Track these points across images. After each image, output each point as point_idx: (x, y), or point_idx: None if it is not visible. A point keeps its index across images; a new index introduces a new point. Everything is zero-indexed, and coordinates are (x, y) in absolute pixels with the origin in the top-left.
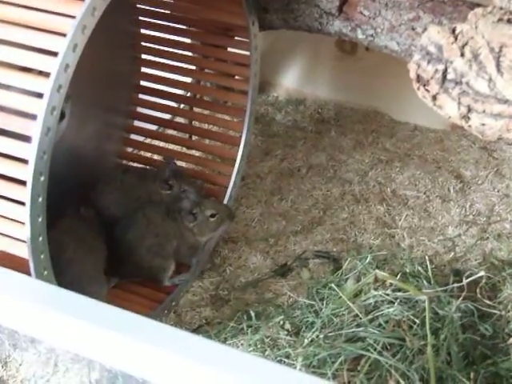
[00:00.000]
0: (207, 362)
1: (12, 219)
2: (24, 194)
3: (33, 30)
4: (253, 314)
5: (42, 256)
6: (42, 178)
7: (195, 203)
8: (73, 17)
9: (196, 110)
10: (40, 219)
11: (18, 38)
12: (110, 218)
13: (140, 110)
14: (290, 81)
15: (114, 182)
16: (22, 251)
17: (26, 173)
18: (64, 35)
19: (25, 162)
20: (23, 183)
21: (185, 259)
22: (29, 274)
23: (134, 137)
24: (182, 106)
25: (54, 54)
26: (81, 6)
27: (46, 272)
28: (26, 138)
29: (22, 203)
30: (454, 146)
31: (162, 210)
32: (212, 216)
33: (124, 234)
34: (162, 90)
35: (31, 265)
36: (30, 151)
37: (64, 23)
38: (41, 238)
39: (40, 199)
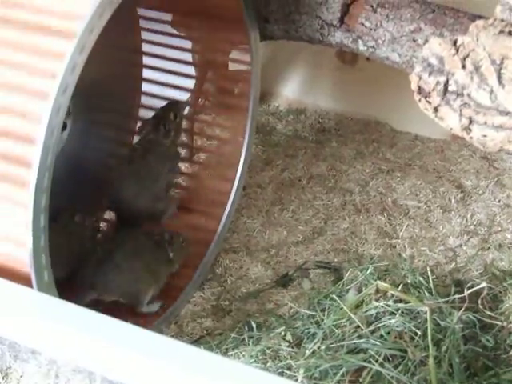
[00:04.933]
0: (208, 374)
1: (14, 230)
2: (27, 205)
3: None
4: (254, 324)
5: (44, 268)
6: (45, 196)
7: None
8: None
9: (197, 117)
10: (42, 229)
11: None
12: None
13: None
14: (290, 91)
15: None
16: (24, 263)
17: (27, 191)
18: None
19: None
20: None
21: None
22: (30, 286)
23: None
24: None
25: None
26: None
27: (47, 284)
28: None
29: (24, 213)
30: (455, 155)
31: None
32: (183, 242)
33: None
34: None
35: (33, 277)
36: (31, 169)
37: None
38: (43, 249)
39: (43, 210)
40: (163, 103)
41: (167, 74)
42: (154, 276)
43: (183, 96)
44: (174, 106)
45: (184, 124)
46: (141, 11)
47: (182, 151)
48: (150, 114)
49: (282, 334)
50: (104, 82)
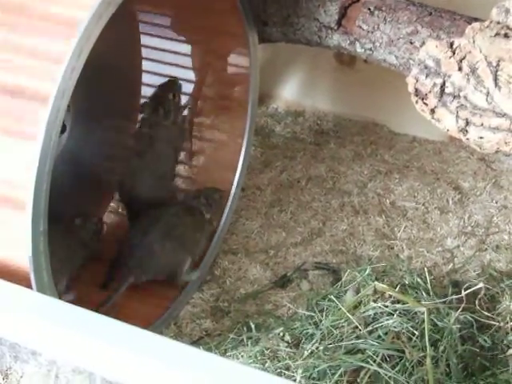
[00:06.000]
0: (207, 374)
1: (13, 233)
2: (26, 208)
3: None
4: (253, 325)
5: (44, 269)
6: (44, 194)
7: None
8: None
9: (196, 120)
10: (42, 232)
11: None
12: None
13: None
14: (289, 92)
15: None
16: (24, 264)
17: (27, 191)
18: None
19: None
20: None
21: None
22: (30, 286)
23: None
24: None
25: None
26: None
27: (47, 284)
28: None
29: (24, 216)
30: (453, 157)
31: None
32: (220, 197)
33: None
34: None
35: (32, 278)
36: (30, 167)
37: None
38: (42, 251)
39: (42, 213)
40: None
41: (166, 78)
42: (189, 246)
43: (183, 100)
44: (171, 84)
45: (183, 126)
46: (140, 15)
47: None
48: None
49: (281, 334)
50: (103, 83)
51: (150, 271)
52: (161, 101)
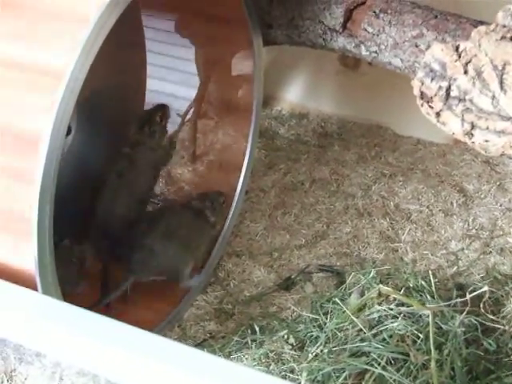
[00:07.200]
0: (211, 377)
1: (19, 234)
2: (32, 209)
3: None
4: (257, 328)
5: (49, 271)
6: (50, 194)
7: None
8: None
9: (200, 123)
10: (48, 234)
11: None
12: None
13: None
14: (293, 95)
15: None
16: (29, 266)
17: (33, 189)
18: None
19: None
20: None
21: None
22: (35, 288)
23: None
24: (186, 118)
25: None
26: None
27: (52, 286)
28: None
29: (30, 217)
30: (457, 160)
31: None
32: (223, 202)
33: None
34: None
35: (38, 280)
36: (36, 168)
37: None
38: (48, 253)
39: (47, 215)
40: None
41: (170, 82)
42: (191, 248)
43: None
44: (160, 108)
45: (187, 129)
46: (144, 20)
47: (185, 155)
48: None
49: (285, 337)
50: (109, 89)
51: (150, 272)
52: (147, 120)
